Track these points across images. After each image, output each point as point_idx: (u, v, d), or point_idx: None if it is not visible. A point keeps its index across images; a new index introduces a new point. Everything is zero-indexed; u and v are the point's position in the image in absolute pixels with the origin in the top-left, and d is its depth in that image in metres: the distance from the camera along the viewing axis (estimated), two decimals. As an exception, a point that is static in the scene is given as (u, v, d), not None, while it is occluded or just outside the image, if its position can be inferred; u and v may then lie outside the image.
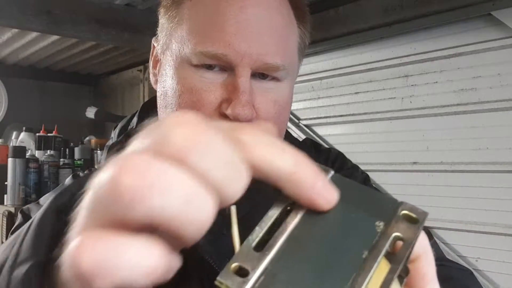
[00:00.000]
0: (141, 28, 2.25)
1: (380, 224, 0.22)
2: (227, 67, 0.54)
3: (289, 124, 2.22)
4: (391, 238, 0.22)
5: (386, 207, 0.23)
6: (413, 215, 0.23)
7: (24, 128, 2.96)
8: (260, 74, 0.55)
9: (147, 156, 0.20)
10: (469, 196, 1.69)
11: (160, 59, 0.61)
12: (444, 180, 1.75)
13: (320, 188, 0.22)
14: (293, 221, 0.22)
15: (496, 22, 1.60)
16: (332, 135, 2.12)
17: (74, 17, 2.15)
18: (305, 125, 2.22)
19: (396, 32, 1.86)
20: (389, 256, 0.22)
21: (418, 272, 0.26)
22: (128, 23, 2.26)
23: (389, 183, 1.89)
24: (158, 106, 0.60)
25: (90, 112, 3.23)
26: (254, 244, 0.22)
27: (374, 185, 1.97)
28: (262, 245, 0.22)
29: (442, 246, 1.74)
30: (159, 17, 0.61)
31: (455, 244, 1.72)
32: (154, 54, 0.63)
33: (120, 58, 3.12)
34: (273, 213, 0.23)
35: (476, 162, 1.67)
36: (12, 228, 0.58)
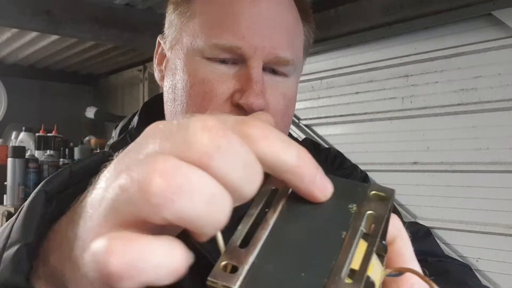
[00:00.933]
0: (141, 28, 2.25)
1: (353, 206, 0.24)
2: (239, 60, 0.55)
3: (289, 124, 2.22)
4: (365, 216, 0.23)
5: (356, 191, 0.25)
6: (382, 194, 0.25)
7: (23, 128, 2.95)
8: (270, 69, 0.56)
9: (174, 159, 0.21)
10: (469, 196, 1.68)
11: (166, 55, 0.62)
12: (445, 180, 1.75)
13: (319, 181, 0.24)
14: (273, 216, 0.24)
15: (496, 22, 1.60)
16: (332, 135, 2.12)
17: (74, 17, 2.14)
18: (305, 125, 2.22)
19: (397, 32, 1.86)
20: (366, 237, 0.23)
21: (396, 252, 0.28)
22: (128, 23, 2.25)
23: (389, 183, 1.88)
24: (165, 100, 0.61)
25: (90, 112, 3.23)
26: (239, 242, 0.23)
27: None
28: (247, 242, 0.23)
29: (442, 246, 1.73)
30: (167, 14, 0.62)
31: (455, 245, 1.72)
32: (159, 51, 0.64)
33: (120, 58, 3.12)
34: (253, 211, 0.24)
35: (477, 162, 1.66)
36: None
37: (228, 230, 0.23)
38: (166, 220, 0.20)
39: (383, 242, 0.26)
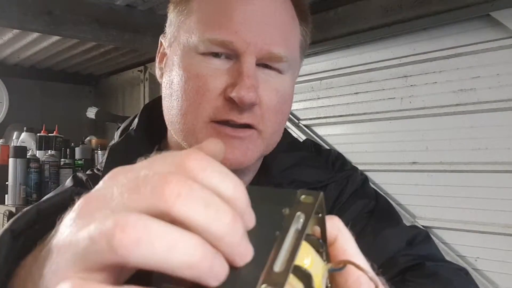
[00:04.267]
0: (142, 29, 2.26)
1: (286, 210, 0.27)
2: (232, 56, 0.56)
3: (289, 124, 2.23)
4: (295, 216, 0.27)
5: (289, 197, 0.28)
6: (310, 196, 0.28)
7: (25, 128, 2.96)
8: (263, 66, 0.57)
9: (136, 214, 0.24)
10: (468, 196, 1.69)
11: (166, 53, 0.63)
12: (444, 180, 1.75)
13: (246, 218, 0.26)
14: None
15: (495, 23, 1.61)
16: (332, 135, 2.13)
17: (75, 18, 2.15)
18: (305, 125, 2.22)
19: (396, 33, 1.87)
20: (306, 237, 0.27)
21: (339, 249, 0.30)
22: (129, 24, 2.26)
23: (388, 183, 1.89)
24: (163, 96, 0.62)
25: (91, 112, 3.24)
26: None
27: (373, 185, 1.97)
28: None
29: (441, 246, 1.74)
30: (168, 13, 0.64)
31: (454, 244, 1.73)
32: (161, 50, 0.66)
33: (121, 58, 3.13)
34: None
35: (475, 162, 1.67)
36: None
37: None
38: (136, 266, 0.23)
39: (320, 240, 0.29)
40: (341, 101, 2.09)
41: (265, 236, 0.26)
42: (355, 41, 2.00)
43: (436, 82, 1.78)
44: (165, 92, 0.61)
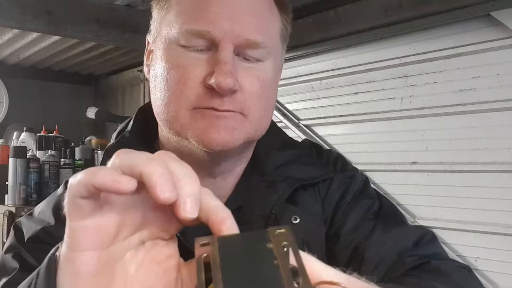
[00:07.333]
0: (141, 29, 2.26)
1: (269, 244, 0.31)
2: (212, 46, 0.57)
3: (289, 124, 2.23)
4: (281, 246, 0.31)
5: (266, 235, 0.32)
6: (282, 229, 0.32)
7: (25, 128, 2.96)
8: (243, 57, 0.58)
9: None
10: (468, 196, 1.69)
11: (152, 49, 0.65)
12: (444, 180, 1.75)
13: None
14: (218, 272, 0.30)
15: (495, 23, 1.61)
16: (332, 135, 2.13)
17: (75, 18, 2.15)
18: (305, 125, 2.22)
19: (396, 33, 1.87)
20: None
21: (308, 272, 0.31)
22: (129, 24, 2.26)
23: (388, 183, 1.89)
24: (150, 91, 0.64)
25: (91, 112, 3.24)
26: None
27: (373, 185, 1.97)
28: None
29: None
30: (152, 10, 0.66)
31: (454, 244, 1.73)
32: (148, 48, 0.68)
33: (121, 58, 3.13)
34: (201, 275, 0.31)
35: (475, 162, 1.67)
36: (5, 246, 0.61)
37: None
38: (98, 187, 0.34)
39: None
40: (341, 101, 2.09)
41: (268, 267, 0.29)
42: (355, 41, 2.00)
43: (436, 82, 1.78)
44: (151, 85, 0.63)
